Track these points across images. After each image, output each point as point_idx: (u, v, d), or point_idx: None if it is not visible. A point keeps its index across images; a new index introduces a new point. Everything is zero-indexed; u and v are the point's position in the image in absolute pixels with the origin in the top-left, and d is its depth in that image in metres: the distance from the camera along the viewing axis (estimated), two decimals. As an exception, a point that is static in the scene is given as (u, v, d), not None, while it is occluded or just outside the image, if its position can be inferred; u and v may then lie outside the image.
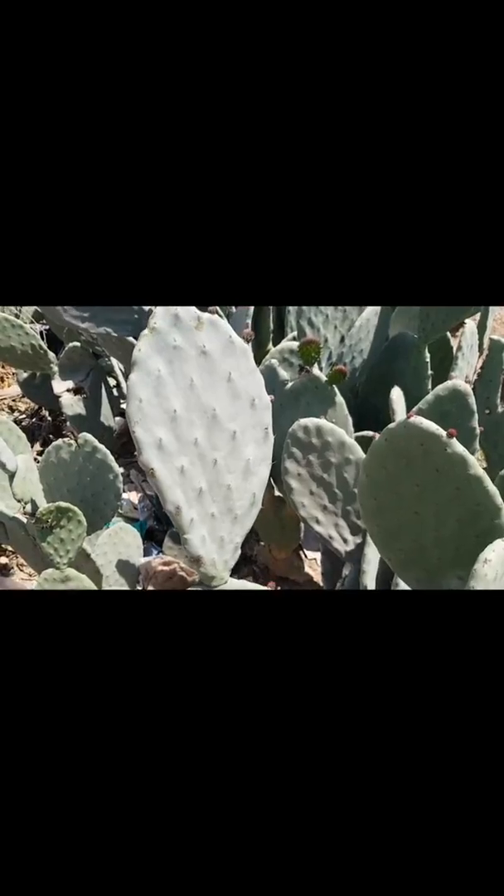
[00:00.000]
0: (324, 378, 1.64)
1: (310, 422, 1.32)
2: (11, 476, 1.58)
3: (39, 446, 3.08)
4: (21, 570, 2.63)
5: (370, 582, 1.34)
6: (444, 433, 0.94)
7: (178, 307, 0.92)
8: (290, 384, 1.71)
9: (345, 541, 1.48)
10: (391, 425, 1.01)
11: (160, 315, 0.90)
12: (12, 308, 3.59)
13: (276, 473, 1.38)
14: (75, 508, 1.49)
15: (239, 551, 1.15)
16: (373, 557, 1.34)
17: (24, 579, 2.52)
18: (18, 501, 1.63)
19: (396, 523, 1.13)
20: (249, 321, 1.73)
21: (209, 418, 1.01)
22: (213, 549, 1.09)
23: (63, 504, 1.47)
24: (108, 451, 1.53)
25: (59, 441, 1.57)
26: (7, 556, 2.60)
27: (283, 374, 1.73)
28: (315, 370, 1.66)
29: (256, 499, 1.13)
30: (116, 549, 2.14)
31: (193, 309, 0.94)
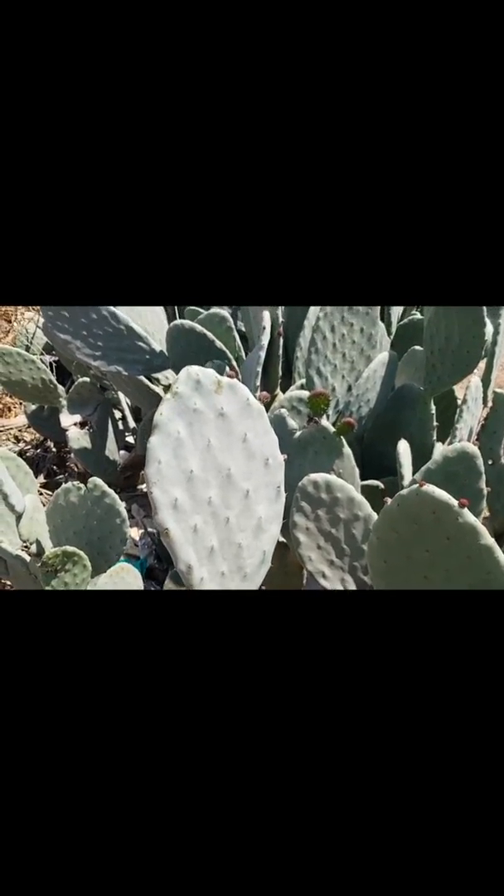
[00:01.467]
0: (332, 429, 1.66)
1: (320, 477, 1.33)
2: (18, 516, 1.59)
3: (43, 478, 3.08)
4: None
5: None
6: (455, 503, 0.96)
7: (199, 371, 0.94)
8: (298, 433, 1.73)
9: (350, 595, 1.47)
10: (403, 492, 1.03)
11: (182, 380, 0.93)
12: (24, 340, 3.65)
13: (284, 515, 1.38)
14: (81, 553, 1.49)
15: (247, 608, 1.15)
16: (379, 615, 1.34)
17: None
18: (24, 542, 1.63)
19: (405, 585, 1.13)
20: (258, 382, 1.76)
21: (224, 477, 1.02)
22: (222, 606, 1.09)
23: (70, 549, 1.47)
24: (116, 497, 1.54)
25: (69, 484, 1.58)
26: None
27: (292, 423, 1.76)
28: (324, 421, 1.68)
29: (266, 556, 1.14)
30: (117, 588, 2.13)
31: (212, 372, 0.97)
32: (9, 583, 2.44)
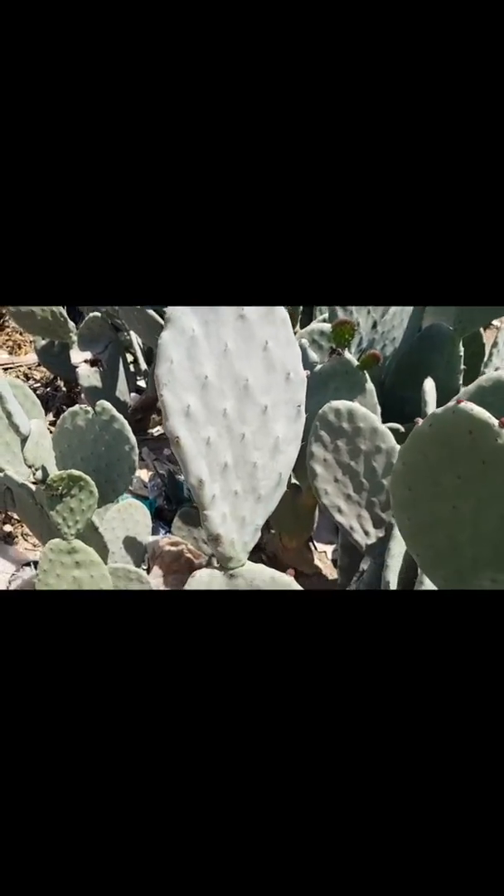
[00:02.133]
0: (355, 362, 1.56)
1: (342, 404, 1.24)
2: (24, 440, 1.52)
3: (53, 416, 3.02)
4: (26, 540, 2.59)
5: (392, 577, 1.27)
6: (496, 421, 0.87)
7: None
8: (319, 366, 1.63)
9: (366, 533, 1.41)
10: (437, 410, 0.94)
11: (199, 270, 0.83)
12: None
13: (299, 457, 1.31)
14: (87, 478, 1.43)
15: (259, 534, 1.09)
16: (397, 552, 1.27)
17: (28, 549, 2.48)
18: (29, 467, 1.57)
19: (430, 517, 1.06)
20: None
21: (241, 389, 0.94)
22: (234, 528, 1.03)
23: (75, 472, 1.42)
24: (125, 422, 1.47)
25: (76, 407, 1.51)
26: (12, 525, 2.56)
27: (314, 355, 1.66)
28: (346, 353, 1.58)
29: (282, 479, 1.07)
30: (125, 524, 2.09)
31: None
32: (14, 516, 2.42)
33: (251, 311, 0.91)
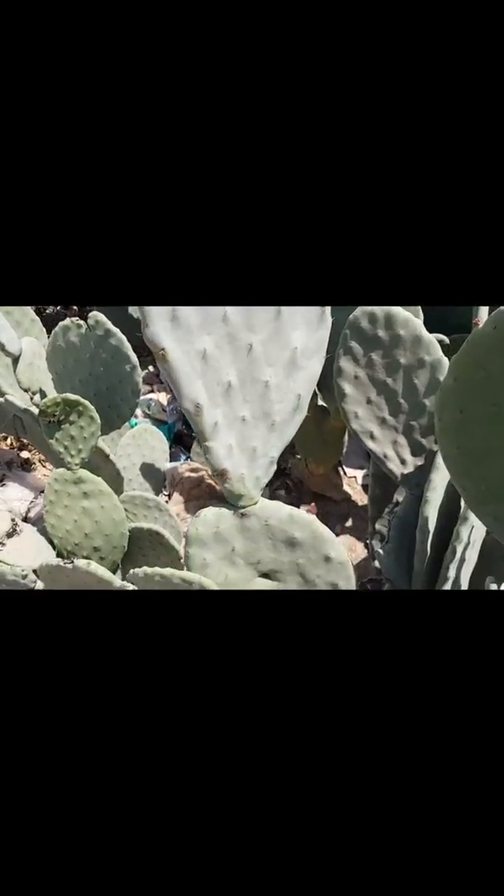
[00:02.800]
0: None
1: (378, 309, 1.01)
2: (15, 361, 1.36)
3: (64, 336, 2.85)
4: (43, 466, 2.52)
5: (432, 513, 1.10)
6: None
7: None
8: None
9: (403, 462, 1.22)
10: (506, 306, 0.70)
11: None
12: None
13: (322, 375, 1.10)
14: (85, 402, 1.27)
15: (275, 466, 0.91)
16: (439, 484, 1.09)
17: (46, 475, 2.41)
18: (25, 391, 1.42)
19: (485, 445, 0.85)
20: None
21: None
22: (243, 461, 0.86)
23: (71, 396, 1.25)
24: (123, 337, 1.27)
25: (67, 321, 1.32)
26: (29, 451, 2.48)
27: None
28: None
29: (302, 402, 0.87)
30: (140, 451, 1.97)
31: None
32: (26, 440, 2.32)
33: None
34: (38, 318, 1.83)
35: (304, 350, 0.83)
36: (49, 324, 3.00)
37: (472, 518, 1.13)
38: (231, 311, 0.73)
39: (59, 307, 3.04)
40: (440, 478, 1.11)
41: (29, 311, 1.83)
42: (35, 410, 1.59)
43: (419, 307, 1.34)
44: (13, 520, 1.86)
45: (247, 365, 0.79)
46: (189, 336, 0.71)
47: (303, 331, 0.81)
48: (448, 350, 1.74)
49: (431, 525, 1.13)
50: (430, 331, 1.63)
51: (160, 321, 0.66)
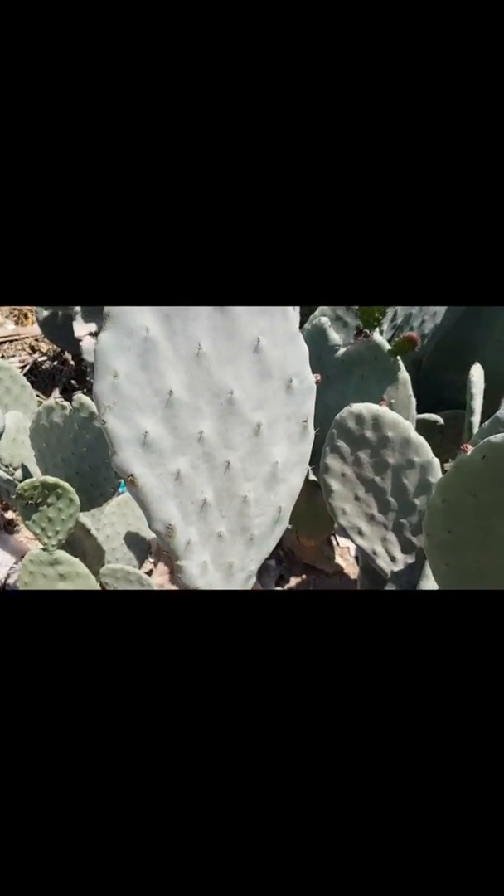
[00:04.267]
0: (387, 347, 1.28)
1: (365, 409, 0.98)
2: (-2, 436, 1.33)
3: (59, 393, 2.83)
4: (28, 529, 2.45)
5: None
6: None
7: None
8: (342, 350, 1.36)
9: (392, 559, 1.17)
10: (495, 438, 0.67)
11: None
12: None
13: (314, 454, 1.06)
14: (65, 485, 1.23)
15: (254, 579, 0.86)
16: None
17: (30, 538, 2.34)
18: (7, 467, 1.38)
19: (474, 566, 0.81)
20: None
21: (223, 404, 0.69)
22: (218, 578, 0.80)
23: (50, 479, 1.21)
24: (107, 420, 1.24)
25: (51, 401, 1.29)
26: (14, 512, 2.42)
27: (335, 336, 1.38)
28: (376, 335, 1.30)
29: (283, 514, 0.83)
30: (125, 520, 1.91)
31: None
32: (9, 503, 2.27)
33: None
34: (28, 384, 1.81)
35: (285, 464, 0.79)
36: (44, 380, 2.99)
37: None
38: (207, 431, 0.69)
39: (56, 362, 3.05)
40: (430, 585, 1.05)
41: (18, 375, 1.82)
42: (17, 482, 1.55)
43: (411, 396, 1.32)
44: (-11, 591, 1.78)
45: (224, 482, 0.75)
46: (162, 459, 0.67)
47: (284, 445, 0.78)
48: (441, 430, 1.71)
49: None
50: (423, 405, 1.61)
51: (129, 447, 0.63)
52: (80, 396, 1.23)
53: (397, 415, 0.98)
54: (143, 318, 0.59)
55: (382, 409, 0.98)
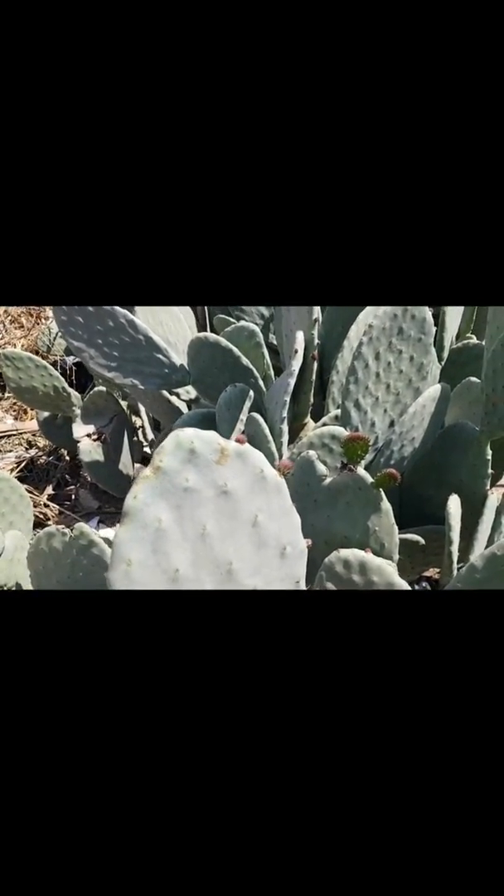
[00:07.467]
0: (369, 480, 1.39)
1: (352, 555, 1.06)
2: (-2, 556, 1.38)
3: (52, 489, 2.90)
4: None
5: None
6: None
7: (194, 437, 0.69)
8: (329, 479, 1.46)
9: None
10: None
11: (169, 450, 0.67)
12: (46, 340, 3.48)
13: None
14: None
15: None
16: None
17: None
18: (1, 587, 1.42)
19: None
20: (286, 413, 1.51)
21: (222, 574, 0.77)
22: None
23: (47, 606, 1.25)
24: (105, 547, 1.30)
25: (53, 528, 1.36)
26: None
27: (322, 468, 1.49)
28: (360, 469, 1.40)
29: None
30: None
31: (214, 436, 0.71)
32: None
33: (235, 485, 0.74)
34: (25, 494, 1.87)
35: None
36: (38, 475, 3.05)
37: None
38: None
39: (51, 457, 3.13)
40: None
41: (17, 485, 1.88)
42: (10, 594, 1.57)
43: (393, 524, 1.41)
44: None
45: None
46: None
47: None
48: (423, 549, 1.79)
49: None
50: (404, 517, 1.69)
51: (137, 622, 0.69)
52: (80, 526, 1.30)
53: (382, 560, 1.06)
54: (157, 511, 0.68)
55: (367, 556, 1.06)
